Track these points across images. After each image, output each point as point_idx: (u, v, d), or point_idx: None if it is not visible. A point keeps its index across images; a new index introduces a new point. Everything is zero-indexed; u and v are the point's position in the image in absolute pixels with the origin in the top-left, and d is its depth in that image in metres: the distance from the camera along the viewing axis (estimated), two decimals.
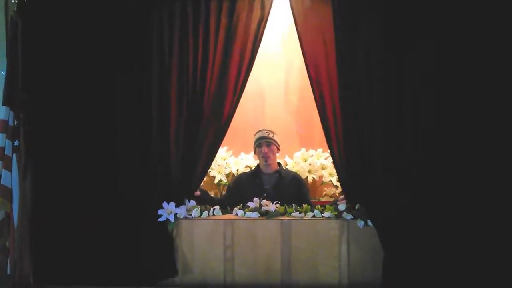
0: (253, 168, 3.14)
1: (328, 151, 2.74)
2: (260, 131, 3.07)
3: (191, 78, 2.66)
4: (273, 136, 3.04)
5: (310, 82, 2.64)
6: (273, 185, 2.98)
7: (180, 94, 2.67)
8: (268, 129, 3.07)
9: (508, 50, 2.54)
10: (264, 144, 3.01)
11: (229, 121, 2.68)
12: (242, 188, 2.99)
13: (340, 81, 2.60)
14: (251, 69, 2.68)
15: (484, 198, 2.53)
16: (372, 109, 2.59)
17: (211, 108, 2.67)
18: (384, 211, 2.56)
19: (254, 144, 3.06)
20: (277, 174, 3.03)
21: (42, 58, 2.65)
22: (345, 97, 2.60)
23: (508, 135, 2.54)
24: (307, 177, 3.24)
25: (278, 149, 3.08)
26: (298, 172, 3.20)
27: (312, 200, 3.20)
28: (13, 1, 2.59)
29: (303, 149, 3.33)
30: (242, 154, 3.36)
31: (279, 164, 3.11)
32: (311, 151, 3.30)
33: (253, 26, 2.67)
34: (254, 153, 3.10)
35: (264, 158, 3.01)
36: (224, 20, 2.65)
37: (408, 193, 2.57)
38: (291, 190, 2.94)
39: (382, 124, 2.59)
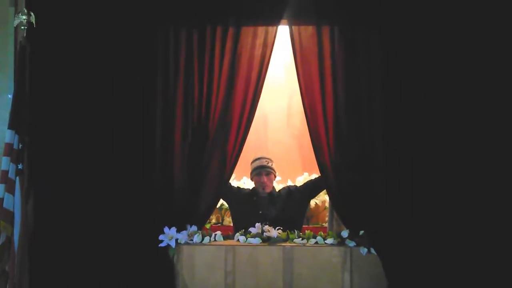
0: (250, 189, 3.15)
1: None
2: (258, 159, 3.07)
3: (196, 102, 2.67)
4: (272, 164, 3.06)
5: (304, 107, 2.67)
6: (267, 208, 2.99)
7: (185, 118, 2.68)
8: (266, 157, 3.08)
9: (507, 53, 2.56)
10: (263, 173, 3.02)
11: (236, 151, 2.67)
12: (239, 200, 3.02)
13: (335, 110, 2.62)
14: (258, 96, 2.69)
15: (492, 222, 2.51)
16: (371, 132, 2.61)
17: (216, 133, 2.67)
18: (387, 238, 2.54)
19: (252, 172, 3.07)
20: (269, 196, 3.04)
21: (49, 83, 2.69)
22: (340, 126, 2.62)
23: None
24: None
25: (275, 177, 3.11)
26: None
27: (315, 226, 3.18)
28: (22, 27, 2.64)
29: (305, 174, 3.34)
30: (245, 178, 3.36)
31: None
32: (314, 175, 3.30)
33: (258, 52, 2.71)
34: (251, 179, 3.12)
35: (262, 186, 3.03)
36: (229, 46, 2.68)
37: (411, 220, 2.55)
38: (284, 207, 2.94)
39: (381, 150, 2.59)
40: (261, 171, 3.02)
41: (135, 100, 2.70)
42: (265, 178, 3.02)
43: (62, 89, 2.69)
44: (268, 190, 3.04)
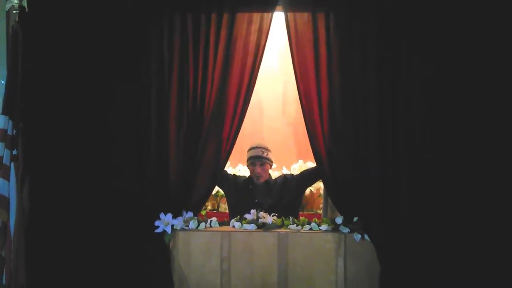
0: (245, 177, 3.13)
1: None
2: (254, 148, 3.05)
3: (191, 89, 2.66)
4: (267, 154, 3.03)
5: (299, 94, 2.66)
6: (263, 197, 2.98)
7: (180, 106, 2.67)
8: (262, 146, 3.05)
9: (507, 54, 2.57)
10: (258, 163, 3.00)
11: (231, 139, 2.66)
12: (235, 188, 3.00)
13: (330, 96, 2.62)
14: (253, 84, 2.68)
15: (484, 211, 2.54)
16: (366, 122, 2.62)
17: (211, 121, 2.67)
18: (380, 225, 2.57)
19: (247, 160, 3.06)
20: (265, 184, 3.03)
21: (42, 68, 2.66)
22: (335, 114, 2.62)
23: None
24: None
25: (271, 166, 3.09)
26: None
27: (310, 213, 3.21)
28: (14, 12, 2.60)
29: (300, 161, 3.35)
30: (240, 166, 3.37)
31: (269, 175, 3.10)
32: (309, 163, 3.32)
33: (253, 39, 2.69)
34: (247, 167, 3.11)
35: (257, 177, 3.01)
36: (223, 33, 2.67)
37: (404, 207, 2.58)
38: (280, 196, 2.94)
39: (375, 138, 2.61)
40: (255, 161, 3.00)
41: (130, 88, 2.68)
42: (259, 169, 3.00)
43: (55, 74, 2.66)
44: (262, 180, 3.03)
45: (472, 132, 2.58)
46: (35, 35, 2.65)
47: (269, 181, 3.05)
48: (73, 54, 2.66)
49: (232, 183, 3.06)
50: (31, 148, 2.65)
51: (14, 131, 2.60)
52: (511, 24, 2.57)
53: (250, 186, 3.03)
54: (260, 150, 3.02)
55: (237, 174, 3.28)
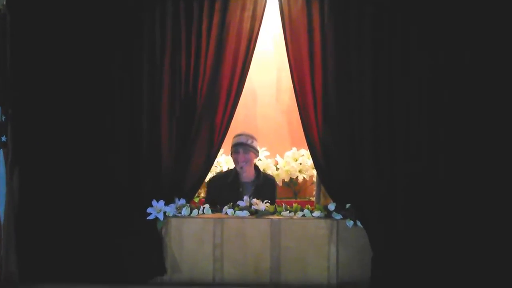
0: (230, 171, 3.02)
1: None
2: (239, 135, 2.94)
3: (183, 75, 2.64)
4: (252, 142, 2.91)
5: (293, 81, 2.65)
6: (251, 195, 2.87)
7: (172, 93, 2.65)
8: (246, 134, 2.95)
9: (506, 48, 2.57)
10: (241, 150, 2.89)
11: (224, 126, 2.65)
12: (221, 194, 2.88)
13: (324, 83, 2.61)
14: (246, 70, 2.66)
15: (476, 198, 2.56)
16: (360, 108, 2.61)
17: (204, 107, 2.65)
18: (372, 212, 2.58)
19: (231, 148, 2.95)
20: (254, 183, 2.94)
21: (31, 53, 2.62)
22: (329, 102, 2.61)
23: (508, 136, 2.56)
24: (297, 176, 3.25)
25: (256, 156, 3.00)
26: (288, 172, 3.20)
27: (303, 200, 3.22)
28: None
29: (294, 149, 3.35)
30: None
31: (256, 168, 3.01)
32: (302, 151, 3.31)
33: (246, 25, 2.67)
34: (231, 155, 2.99)
35: (239, 165, 2.90)
36: (216, 19, 2.64)
37: (396, 193, 2.59)
38: (267, 196, 2.84)
39: (370, 124, 2.60)
40: (238, 148, 2.89)
41: (122, 74, 2.65)
42: (242, 157, 2.87)
43: (44, 59, 2.63)
44: (246, 168, 2.89)
45: (470, 130, 2.58)
46: (24, 18, 2.60)
47: (256, 182, 2.93)
48: (63, 39, 2.63)
49: (219, 188, 2.91)
50: (21, 135, 2.61)
51: (3, 118, 2.56)
52: (510, 22, 2.56)
53: (240, 189, 2.89)
54: (244, 137, 2.92)
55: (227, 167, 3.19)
